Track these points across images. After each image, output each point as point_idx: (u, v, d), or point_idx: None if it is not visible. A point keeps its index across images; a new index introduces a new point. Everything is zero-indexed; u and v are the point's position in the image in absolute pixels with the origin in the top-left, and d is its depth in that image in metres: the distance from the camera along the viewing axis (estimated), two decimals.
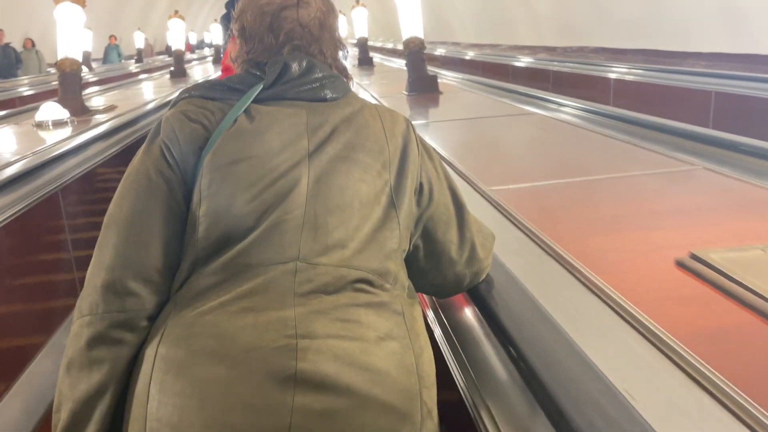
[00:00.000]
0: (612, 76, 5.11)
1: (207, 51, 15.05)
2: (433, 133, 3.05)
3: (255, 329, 0.83)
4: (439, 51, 10.55)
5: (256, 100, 0.98)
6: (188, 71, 9.07)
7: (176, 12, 8.31)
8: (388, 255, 0.94)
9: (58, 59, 3.94)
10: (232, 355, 0.81)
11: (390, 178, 0.97)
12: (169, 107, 1.02)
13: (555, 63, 6.16)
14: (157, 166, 0.95)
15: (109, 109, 4.58)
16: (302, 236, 0.89)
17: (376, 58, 9.01)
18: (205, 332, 0.84)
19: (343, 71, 1.08)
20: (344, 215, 0.92)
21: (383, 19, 15.07)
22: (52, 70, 9.20)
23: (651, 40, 5.71)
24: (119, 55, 13.83)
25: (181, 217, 0.94)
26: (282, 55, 1.02)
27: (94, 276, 0.90)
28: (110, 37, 13.79)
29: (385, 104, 4.02)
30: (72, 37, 3.95)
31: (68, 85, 3.94)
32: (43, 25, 10.64)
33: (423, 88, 4.36)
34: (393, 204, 0.96)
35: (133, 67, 11.34)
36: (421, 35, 4.46)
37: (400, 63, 9.22)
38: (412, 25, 4.44)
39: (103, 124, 3.79)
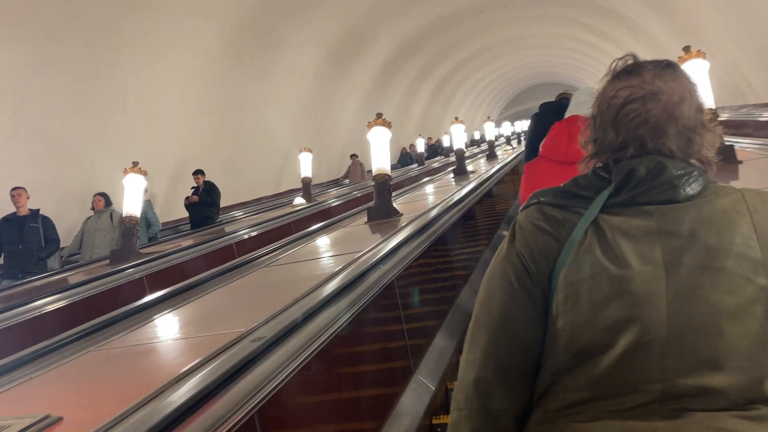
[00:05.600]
0: None
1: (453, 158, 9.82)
2: None
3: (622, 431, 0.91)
4: None
5: (603, 208, 1.00)
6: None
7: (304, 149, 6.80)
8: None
9: None
10: None
11: (765, 283, 0.92)
12: (521, 208, 1.10)
13: None
14: (517, 274, 1.03)
15: None
16: (668, 358, 0.91)
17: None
18: None
19: (705, 160, 1.04)
20: (713, 335, 0.90)
21: None
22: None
23: None
24: (147, 223, 7.04)
25: (539, 324, 1.01)
26: (626, 155, 1.02)
27: (467, 372, 1.04)
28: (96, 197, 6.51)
29: None
30: None
31: None
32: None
33: None
34: None
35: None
36: None
37: None
38: None
39: None
